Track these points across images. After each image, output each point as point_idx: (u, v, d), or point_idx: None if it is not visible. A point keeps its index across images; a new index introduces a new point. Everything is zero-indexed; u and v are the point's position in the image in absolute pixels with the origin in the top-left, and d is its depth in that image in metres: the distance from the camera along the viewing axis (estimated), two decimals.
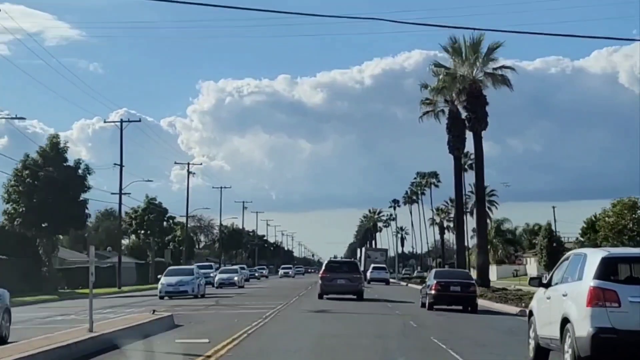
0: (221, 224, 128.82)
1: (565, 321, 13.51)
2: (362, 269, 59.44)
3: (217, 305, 36.27)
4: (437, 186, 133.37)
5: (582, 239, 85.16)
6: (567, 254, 15.63)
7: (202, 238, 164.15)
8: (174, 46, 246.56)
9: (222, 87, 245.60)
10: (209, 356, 16.25)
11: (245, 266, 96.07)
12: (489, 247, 73.70)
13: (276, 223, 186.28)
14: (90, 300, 18.67)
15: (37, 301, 46.84)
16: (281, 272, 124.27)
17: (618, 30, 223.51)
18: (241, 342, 19.42)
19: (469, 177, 78.05)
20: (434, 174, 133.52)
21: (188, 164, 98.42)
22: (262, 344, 19.37)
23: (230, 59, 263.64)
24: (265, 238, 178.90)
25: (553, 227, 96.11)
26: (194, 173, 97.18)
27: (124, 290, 65.46)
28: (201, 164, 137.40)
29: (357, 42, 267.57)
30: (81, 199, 61.46)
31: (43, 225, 59.89)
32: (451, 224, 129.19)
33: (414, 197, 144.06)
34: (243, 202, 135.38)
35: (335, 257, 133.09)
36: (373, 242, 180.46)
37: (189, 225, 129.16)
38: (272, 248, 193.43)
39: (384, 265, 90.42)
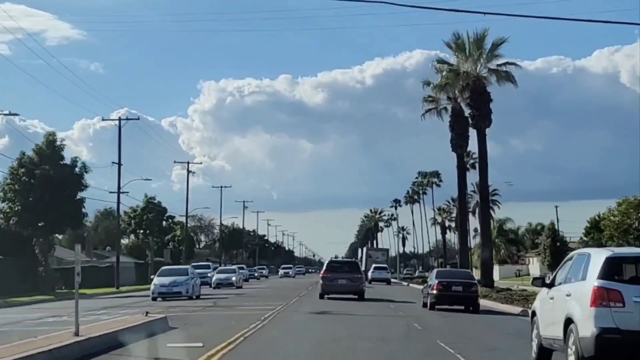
0: (221, 224, 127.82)
1: (568, 321, 13.39)
2: (363, 269, 59.41)
3: (214, 307, 35.19)
4: (438, 186, 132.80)
5: (585, 238, 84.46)
6: (571, 253, 15.41)
7: (202, 238, 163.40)
8: (175, 46, 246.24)
9: (223, 87, 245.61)
10: None
11: (244, 266, 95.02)
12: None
13: (277, 223, 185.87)
14: (76, 302, 17.71)
15: (32, 301, 45.90)
16: (281, 272, 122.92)
17: (619, 30, 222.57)
18: (237, 346, 18.43)
19: (471, 177, 77.15)
20: (436, 174, 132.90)
21: (188, 162, 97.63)
22: (259, 348, 18.40)
23: (231, 58, 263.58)
24: (266, 238, 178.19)
25: (556, 227, 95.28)
26: (194, 172, 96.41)
27: (122, 290, 64.54)
28: (201, 162, 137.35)
29: (358, 41, 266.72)
30: (78, 197, 60.40)
31: (39, 224, 58.85)
32: (453, 224, 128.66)
33: (416, 197, 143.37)
34: (243, 201, 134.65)
35: (336, 257, 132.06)
36: (374, 242, 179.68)
37: (189, 225, 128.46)
38: (273, 248, 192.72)
39: (385, 265, 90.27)
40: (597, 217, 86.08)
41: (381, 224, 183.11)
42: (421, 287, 47.66)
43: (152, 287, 44.03)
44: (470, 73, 55.29)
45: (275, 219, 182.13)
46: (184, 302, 39.15)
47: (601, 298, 12.65)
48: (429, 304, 34.03)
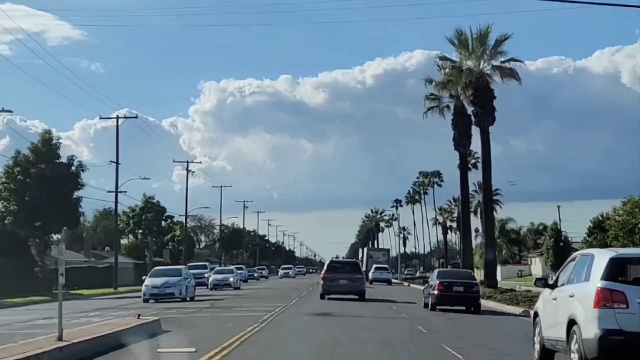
0: (221, 224, 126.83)
1: (571, 322, 13.27)
2: (364, 269, 59.34)
3: (211, 308, 34.08)
4: (440, 185, 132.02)
5: (589, 238, 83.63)
6: (574, 254, 15.28)
7: (202, 238, 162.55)
8: (176, 46, 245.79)
9: (224, 87, 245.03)
10: None
11: (243, 267, 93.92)
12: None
13: (278, 223, 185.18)
14: (59, 305, 16.69)
15: (27, 302, 44.90)
16: (281, 272, 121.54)
17: (619, 31, 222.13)
18: (232, 351, 17.43)
19: (472, 177, 76.19)
20: (437, 174, 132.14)
21: (187, 162, 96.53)
22: (256, 353, 17.43)
23: (232, 59, 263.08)
24: (266, 238, 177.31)
25: (559, 227, 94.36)
26: (193, 172, 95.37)
27: (120, 291, 63.57)
28: (200, 162, 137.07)
29: (359, 42, 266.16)
30: (75, 196, 59.43)
31: (35, 224, 57.90)
32: (454, 224, 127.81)
33: (417, 197, 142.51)
34: (244, 201, 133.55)
35: (337, 257, 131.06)
36: (375, 242, 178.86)
37: (189, 225, 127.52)
38: (273, 248, 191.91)
39: (386, 266, 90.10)
40: (600, 217, 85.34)
41: (382, 224, 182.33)
42: (422, 287, 47.40)
43: (143, 288, 42.21)
44: (474, 70, 54.30)
45: (276, 219, 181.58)
46: (179, 304, 37.97)
47: (605, 299, 12.51)
48: (430, 304, 33.78)
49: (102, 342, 16.48)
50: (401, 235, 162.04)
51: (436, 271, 39.14)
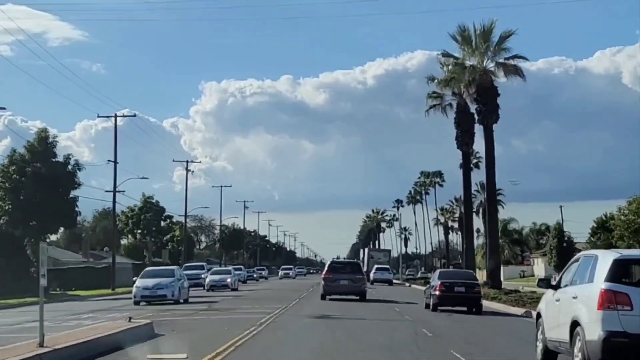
0: (221, 224, 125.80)
1: (575, 324, 13.16)
2: (365, 269, 59.22)
3: (207, 311, 32.90)
4: (441, 186, 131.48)
5: (593, 239, 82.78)
6: (577, 255, 15.12)
7: (202, 238, 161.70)
8: (177, 47, 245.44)
9: (225, 88, 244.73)
10: None
11: (242, 267, 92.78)
12: None
13: (279, 223, 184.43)
14: (40, 308, 15.72)
15: (21, 304, 43.87)
16: (281, 273, 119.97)
17: (620, 31, 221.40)
18: (227, 356, 16.42)
19: (474, 177, 75.22)
20: (439, 174, 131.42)
21: (187, 161, 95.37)
22: (253, 359, 16.41)
23: (233, 59, 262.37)
24: (267, 238, 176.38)
25: (562, 227, 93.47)
26: (193, 171, 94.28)
27: (117, 291, 62.44)
28: (200, 161, 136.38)
29: (360, 42, 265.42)
30: (71, 196, 58.43)
31: (31, 223, 56.90)
32: (455, 224, 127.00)
33: (418, 197, 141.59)
34: (244, 201, 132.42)
35: (338, 257, 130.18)
36: (376, 242, 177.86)
37: (189, 226, 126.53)
38: (274, 249, 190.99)
39: (387, 266, 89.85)
40: (604, 217, 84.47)
41: (383, 225, 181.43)
42: (423, 288, 47.52)
43: (134, 290, 40.23)
44: (477, 67, 53.29)
45: (276, 219, 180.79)
46: (174, 306, 36.60)
47: (609, 301, 12.40)
48: (431, 304, 33.55)
49: (88, 348, 15.47)
50: (402, 236, 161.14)
51: (437, 271, 38.90)
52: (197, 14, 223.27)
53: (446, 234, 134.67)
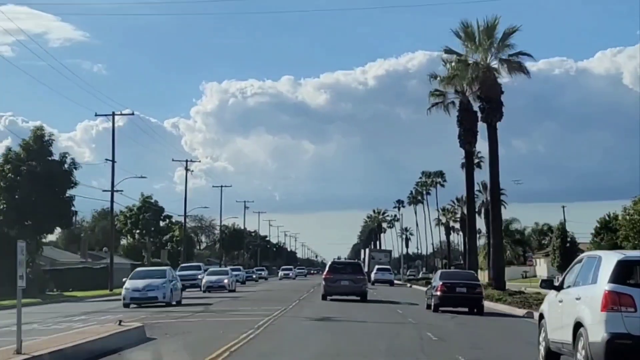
0: (221, 224, 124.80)
1: (578, 325, 13.06)
2: (365, 270, 58.21)
3: (203, 313, 31.71)
4: (442, 186, 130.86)
5: (596, 239, 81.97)
6: (581, 256, 15.00)
7: (203, 239, 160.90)
8: (178, 47, 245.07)
9: (226, 88, 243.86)
10: None
11: (241, 267, 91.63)
12: None
13: (279, 224, 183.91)
14: (18, 312, 14.77)
15: (14, 305, 42.62)
16: (281, 273, 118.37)
17: (621, 32, 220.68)
18: None
19: (476, 177, 74.21)
20: (440, 174, 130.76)
21: (186, 160, 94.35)
22: None
23: (234, 60, 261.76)
24: (267, 239, 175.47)
25: (565, 228, 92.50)
26: (192, 171, 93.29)
27: (115, 292, 61.25)
28: (199, 160, 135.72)
29: (360, 43, 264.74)
30: (67, 195, 57.42)
31: (26, 223, 55.91)
32: (457, 225, 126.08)
33: (419, 198, 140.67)
34: (244, 201, 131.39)
35: (339, 258, 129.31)
36: (377, 243, 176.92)
37: (189, 226, 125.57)
38: (274, 249, 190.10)
39: (388, 267, 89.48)
40: (607, 217, 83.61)
41: (384, 225, 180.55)
42: (424, 288, 47.50)
43: (123, 291, 38.15)
44: (481, 63, 52.29)
45: (277, 220, 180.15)
46: (169, 308, 35.24)
47: (612, 302, 12.29)
48: (432, 305, 33.39)
49: (70, 355, 14.46)
50: (403, 236, 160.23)
51: (439, 272, 38.64)
52: (197, 15, 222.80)
53: (447, 235, 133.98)
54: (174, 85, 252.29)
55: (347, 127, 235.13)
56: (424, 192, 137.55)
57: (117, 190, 70.24)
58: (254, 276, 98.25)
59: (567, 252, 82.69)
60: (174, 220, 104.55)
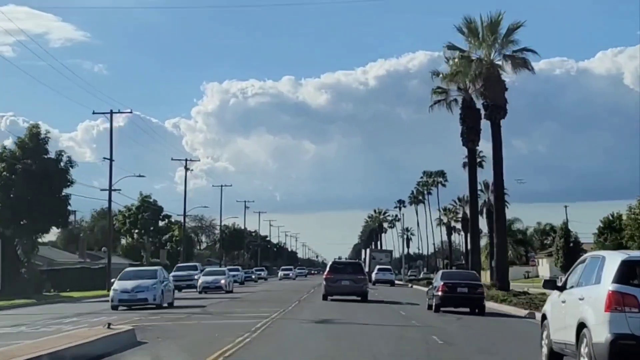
0: (221, 224, 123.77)
1: (581, 326, 12.96)
2: (366, 270, 57.41)
3: (200, 315, 30.49)
4: (444, 185, 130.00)
5: (600, 239, 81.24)
6: (584, 256, 14.87)
7: (203, 239, 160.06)
8: (179, 48, 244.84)
9: (227, 89, 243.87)
10: None
11: (239, 268, 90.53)
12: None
13: (280, 224, 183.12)
14: None
15: (10, 306, 41.87)
16: (281, 273, 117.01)
17: (622, 32, 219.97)
18: None
19: (478, 177, 73.24)
20: (441, 173, 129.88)
21: (186, 159, 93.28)
22: None
23: (235, 60, 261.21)
24: (268, 239, 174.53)
25: (568, 228, 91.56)
26: (192, 170, 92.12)
27: None
28: (199, 159, 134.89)
29: (361, 43, 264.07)
30: (63, 193, 56.47)
31: (22, 222, 54.98)
32: (458, 225, 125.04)
33: (420, 197, 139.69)
34: (244, 201, 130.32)
35: (339, 258, 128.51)
36: (378, 243, 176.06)
37: (190, 226, 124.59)
38: (275, 249, 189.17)
39: (389, 267, 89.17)
40: (610, 217, 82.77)
41: (385, 225, 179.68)
42: (425, 288, 46.96)
43: (111, 292, 36.14)
44: (484, 60, 51.25)
45: (278, 220, 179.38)
46: (163, 310, 33.84)
47: (616, 303, 12.20)
48: (434, 305, 33.27)
49: None
50: (404, 236, 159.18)
51: (440, 272, 38.47)
52: (198, 15, 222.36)
53: (449, 234, 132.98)
54: (174, 85, 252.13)
55: (348, 127, 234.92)
56: (425, 192, 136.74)
57: (115, 189, 69.23)
58: (253, 276, 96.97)
59: (570, 252, 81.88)
60: (173, 220, 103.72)
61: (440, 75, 56.83)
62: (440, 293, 32.70)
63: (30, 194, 53.41)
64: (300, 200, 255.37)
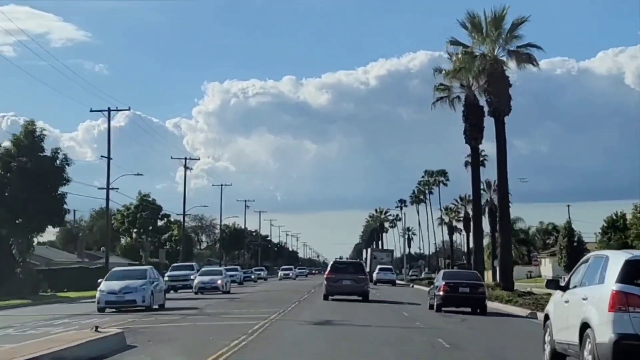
0: (221, 223, 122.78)
1: (585, 326, 12.84)
2: (367, 270, 58.32)
3: (195, 316, 29.32)
4: (445, 185, 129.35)
5: (604, 238, 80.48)
6: (587, 255, 14.79)
7: (203, 238, 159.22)
8: (180, 47, 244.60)
9: (228, 88, 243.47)
10: None
11: (238, 267, 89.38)
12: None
13: (281, 224, 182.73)
14: None
15: (4, 307, 40.91)
16: (281, 273, 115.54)
17: (622, 32, 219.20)
18: None
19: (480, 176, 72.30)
20: (443, 172, 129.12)
21: (185, 158, 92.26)
22: None
23: (236, 60, 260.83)
24: (268, 238, 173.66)
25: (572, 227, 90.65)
26: (191, 168, 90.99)
27: None
28: (198, 158, 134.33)
29: (362, 43, 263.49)
30: (59, 192, 55.47)
31: (17, 221, 54.00)
32: (460, 224, 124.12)
33: (421, 197, 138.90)
34: (245, 201, 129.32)
35: (340, 257, 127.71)
36: (379, 242, 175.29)
37: (190, 225, 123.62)
38: (276, 249, 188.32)
39: (390, 266, 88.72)
40: (614, 216, 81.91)
41: (386, 225, 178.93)
42: (427, 288, 46.83)
43: (97, 294, 33.97)
44: (488, 55, 50.30)
45: (279, 220, 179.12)
46: (157, 312, 32.50)
47: (620, 303, 12.08)
48: (435, 305, 33.24)
49: None
50: (406, 236, 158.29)
51: (442, 272, 38.34)
52: (199, 15, 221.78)
53: (450, 234, 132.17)
54: (175, 85, 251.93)
55: (349, 127, 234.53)
56: (427, 192, 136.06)
57: (112, 188, 68.23)
58: (253, 276, 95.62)
59: (574, 252, 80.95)
60: (172, 220, 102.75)
61: (443, 72, 56.01)
62: (441, 293, 32.57)
63: (25, 193, 52.44)
64: (301, 200, 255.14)
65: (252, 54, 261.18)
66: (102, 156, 66.03)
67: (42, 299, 49.83)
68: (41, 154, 54.65)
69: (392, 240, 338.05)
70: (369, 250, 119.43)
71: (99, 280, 35.14)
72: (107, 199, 67.87)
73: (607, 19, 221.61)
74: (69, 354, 14.43)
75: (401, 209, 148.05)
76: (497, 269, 61.09)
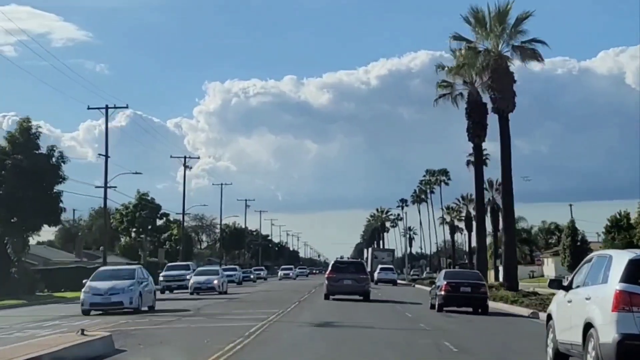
0: (222, 223, 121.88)
1: (588, 326, 12.73)
2: (369, 269, 57.46)
3: (191, 317, 28.22)
4: (447, 184, 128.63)
5: (608, 237, 79.72)
6: (590, 255, 14.65)
7: (204, 238, 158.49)
8: (181, 47, 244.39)
9: (228, 88, 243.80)
10: None
11: (237, 267, 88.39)
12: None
13: (282, 223, 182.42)
14: None
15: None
16: (281, 273, 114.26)
17: (623, 31, 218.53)
18: None
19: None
20: (444, 172, 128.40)
21: (185, 157, 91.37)
22: None
23: (237, 60, 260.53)
24: (269, 238, 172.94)
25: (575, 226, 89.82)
26: (191, 167, 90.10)
27: None
28: (198, 157, 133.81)
29: (363, 42, 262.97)
30: (55, 190, 54.46)
31: (12, 220, 52.98)
32: (462, 224, 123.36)
33: (423, 196, 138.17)
34: (245, 200, 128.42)
35: (341, 257, 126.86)
36: (381, 242, 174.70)
37: (190, 225, 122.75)
38: (276, 248, 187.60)
39: (391, 266, 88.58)
40: (617, 216, 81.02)
41: (387, 224, 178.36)
42: (428, 288, 46.61)
43: (82, 295, 31.96)
44: (492, 51, 49.31)
45: (280, 219, 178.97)
46: (151, 313, 31.21)
47: (624, 302, 11.96)
48: (437, 305, 33.20)
49: None
50: (407, 236, 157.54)
51: (443, 272, 38.50)
52: (200, 15, 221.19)
53: (452, 234, 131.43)
54: (176, 85, 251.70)
55: (350, 126, 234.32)
56: (428, 191, 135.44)
57: (110, 187, 67.26)
58: (252, 276, 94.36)
59: (577, 251, 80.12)
60: (172, 219, 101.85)
61: (446, 68, 55.14)
62: (443, 292, 32.45)
63: (20, 191, 51.44)
64: (302, 200, 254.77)
65: (253, 53, 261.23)
66: (99, 154, 65.22)
67: (37, 299, 48.91)
68: (36, 152, 53.66)
69: (393, 240, 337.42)
70: (370, 249, 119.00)
71: (84, 281, 33.25)
72: (105, 198, 66.88)
73: (608, 18, 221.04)
74: (53, 358, 13.42)
75: (402, 208, 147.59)
76: (500, 268, 60.15)
